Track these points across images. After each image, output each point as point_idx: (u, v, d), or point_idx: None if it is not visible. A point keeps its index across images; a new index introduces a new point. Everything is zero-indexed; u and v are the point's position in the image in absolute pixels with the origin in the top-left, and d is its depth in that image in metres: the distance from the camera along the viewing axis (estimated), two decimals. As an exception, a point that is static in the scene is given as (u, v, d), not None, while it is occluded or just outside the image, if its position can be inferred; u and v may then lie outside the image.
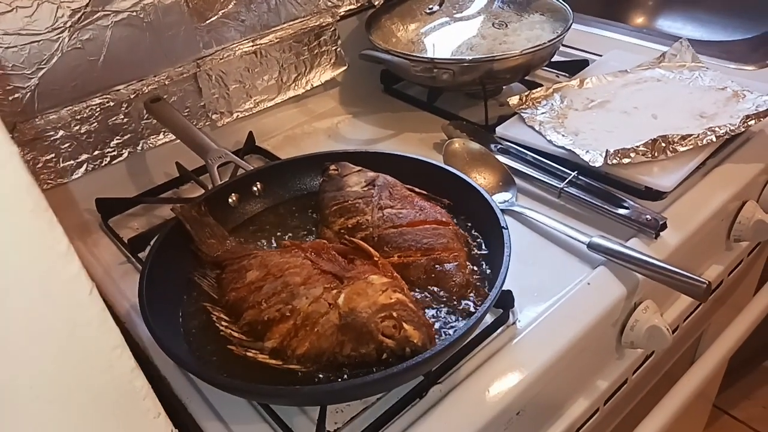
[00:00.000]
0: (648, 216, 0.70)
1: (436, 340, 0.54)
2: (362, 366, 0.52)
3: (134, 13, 0.80)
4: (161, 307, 0.58)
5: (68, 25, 0.75)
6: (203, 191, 0.81)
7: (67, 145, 0.80)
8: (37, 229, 0.23)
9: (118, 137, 0.84)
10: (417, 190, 0.69)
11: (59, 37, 0.75)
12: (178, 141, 0.86)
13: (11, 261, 0.23)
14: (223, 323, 0.57)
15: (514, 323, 0.63)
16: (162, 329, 0.54)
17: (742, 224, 0.83)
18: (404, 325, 0.51)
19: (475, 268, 0.62)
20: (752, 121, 0.77)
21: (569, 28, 0.93)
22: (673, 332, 0.70)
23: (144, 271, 0.60)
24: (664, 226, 0.69)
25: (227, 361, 0.55)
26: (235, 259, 0.63)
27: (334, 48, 1.02)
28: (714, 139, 0.76)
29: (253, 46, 0.92)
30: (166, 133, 0.88)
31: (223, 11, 0.88)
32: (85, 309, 0.25)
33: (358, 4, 1.03)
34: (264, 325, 0.54)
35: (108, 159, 0.84)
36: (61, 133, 0.79)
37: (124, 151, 0.85)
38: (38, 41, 0.74)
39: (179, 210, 0.66)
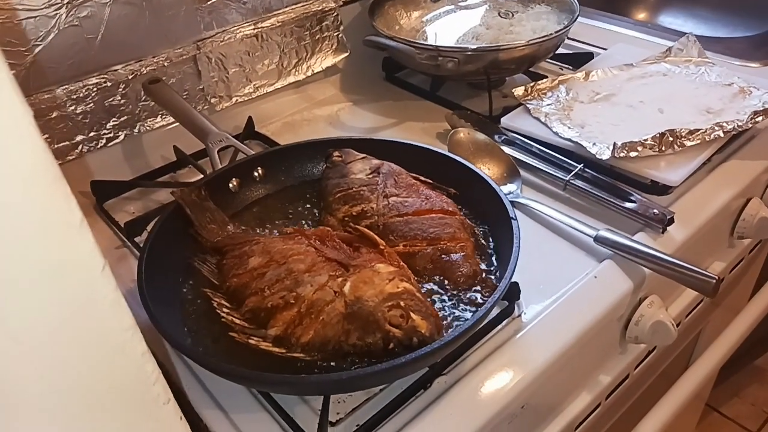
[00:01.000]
0: (655, 210, 0.69)
1: (443, 331, 0.53)
2: (368, 355, 0.50)
3: (134, -9, 0.78)
4: (160, 292, 0.56)
5: (66, 1, 0.73)
6: (201, 176, 0.79)
7: (61, 125, 0.78)
8: (51, 200, 0.21)
9: (114, 119, 0.82)
10: (422, 178, 0.68)
11: (56, 14, 0.72)
12: (176, 124, 0.84)
13: (22, 233, 0.21)
14: (225, 310, 0.55)
15: (519, 316, 0.62)
16: (161, 315, 0.53)
17: (746, 221, 0.82)
18: (411, 314, 0.50)
19: (482, 259, 0.61)
20: (760, 117, 0.76)
21: (576, 19, 0.92)
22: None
23: (143, 256, 0.58)
24: (671, 221, 0.68)
25: (227, 348, 0.54)
26: (236, 245, 0.62)
27: (336, 34, 1.00)
28: (721, 135, 0.75)
29: (254, 29, 0.90)
30: (163, 116, 0.86)
31: (224, -8, 0.86)
32: (97, 287, 0.24)
33: (362, -10, 1.01)
34: (267, 312, 0.53)
35: (104, 141, 0.82)
36: (55, 113, 0.77)
37: (120, 133, 0.83)
38: (35, 17, 0.71)
39: (179, 194, 0.64)
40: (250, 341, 0.52)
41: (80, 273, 0.23)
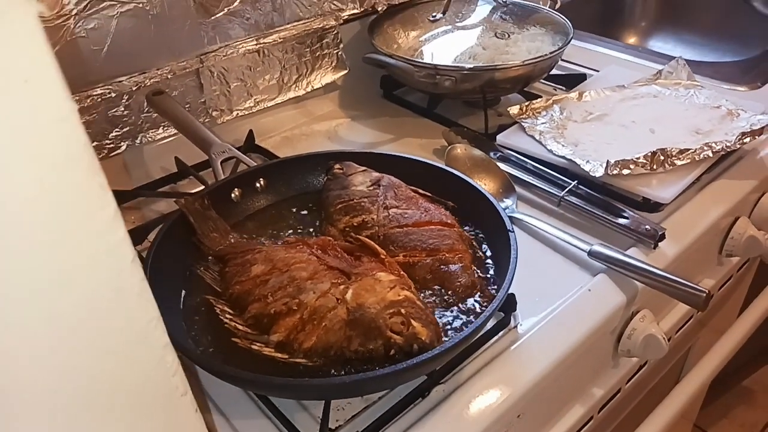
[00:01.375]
0: (647, 226, 0.71)
1: (443, 339, 0.54)
2: (369, 362, 0.51)
3: (140, 5, 0.79)
4: (163, 299, 0.56)
5: (74, 12, 0.74)
6: (202, 186, 0.80)
7: (65, 134, 0.79)
8: (89, 190, 0.23)
9: (117, 129, 0.83)
10: (421, 191, 0.70)
11: (64, 25, 0.74)
12: (177, 136, 0.85)
13: (60, 220, 0.22)
14: (227, 315, 0.56)
15: (515, 327, 0.63)
16: (165, 320, 0.53)
17: (734, 239, 0.84)
18: (412, 321, 0.51)
19: (480, 270, 0.63)
20: (747, 138, 0.78)
21: (570, 41, 0.94)
22: (667, 342, 0.71)
23: (147, 263, 0.59)
24: (662, 237, 0.70)
25: (227, 353, 0.54)
26: (238, 253, 0.63)
27: (335, 51, 1.02)
28: (710, 155, 0.78)
29: (256, 44, 0.92)
30: (165, 128, 0.87)
31: (228, 8, 0.87)
32: (127, 277, 0.25)
33: (362, 9, 1.03)
34: (270, 318, 0.54)
35: (105, 151, 0.83)
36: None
37: (122, 143, 0.84)
38: (43, 27, 0.72)
39: (183, 203, 0.65)
40: (253, 347, 0.53)
41: (111, 262, 0.24)
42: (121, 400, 0.28)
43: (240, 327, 0.55)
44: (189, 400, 0.30)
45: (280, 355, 0.52)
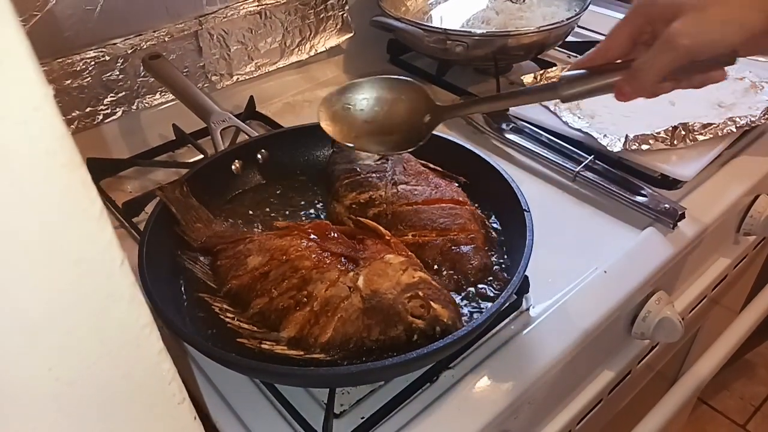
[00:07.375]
0: (666, 205, 0.68)
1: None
2: (390, 350, 0.48)
3: (135, -38, 0.75)
4: (162, 287, 0.54)
5: (64, -31, 0.70)
6: (201, 155, 0.77)
7: (56, 100, 0.74)
8: (70, 188, 0.20)
9: (112, 94, 0.79)
10: (431, 166, 0.66)
11: (54, -18, 0.70)
12: (175, 102, 0.82)
13: (40, 223, 0.19)
14: (229, 315, 0.51)
15: (527, 309, 0.60)
16: (167, 307, 0.51)
17: (754, 218, 0.81)
18: (432, 303, 0.49)
19: (492, 251, 0.60)
20: (773, 113, 0.75)
21: (587, 6, 0.90)
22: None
23: (145, 235, 0.56)
24: (682, 217, 0.67)
25: (227, 339, 0.51)
26: (228, 244, 0.58)
27: (340, 13, 0.97)
28: (734, 130, 0.74)
29: (258, 5, 0.88)
30: (162, 93, 0.83)
31: (228, -34, 0.83)
32: (116, 281, 0.22)
33: (368, -31, 0.98)
34: (277, 313, 0.50)
35: (100, 117, 0.79)
36: (50, 86, 0.74)
37: (117, 109, 0.80)
38: (27, -14, 0.68)
39: (162, 192, 0.60)
40: (263, 346, 0.48)
41: (99, 266, 0.21)
42: (115, 410, 0.25)
43: (245, 326, 0.50)
44: (187, 408, 0.28)
45: (294, 352, 0.48)
